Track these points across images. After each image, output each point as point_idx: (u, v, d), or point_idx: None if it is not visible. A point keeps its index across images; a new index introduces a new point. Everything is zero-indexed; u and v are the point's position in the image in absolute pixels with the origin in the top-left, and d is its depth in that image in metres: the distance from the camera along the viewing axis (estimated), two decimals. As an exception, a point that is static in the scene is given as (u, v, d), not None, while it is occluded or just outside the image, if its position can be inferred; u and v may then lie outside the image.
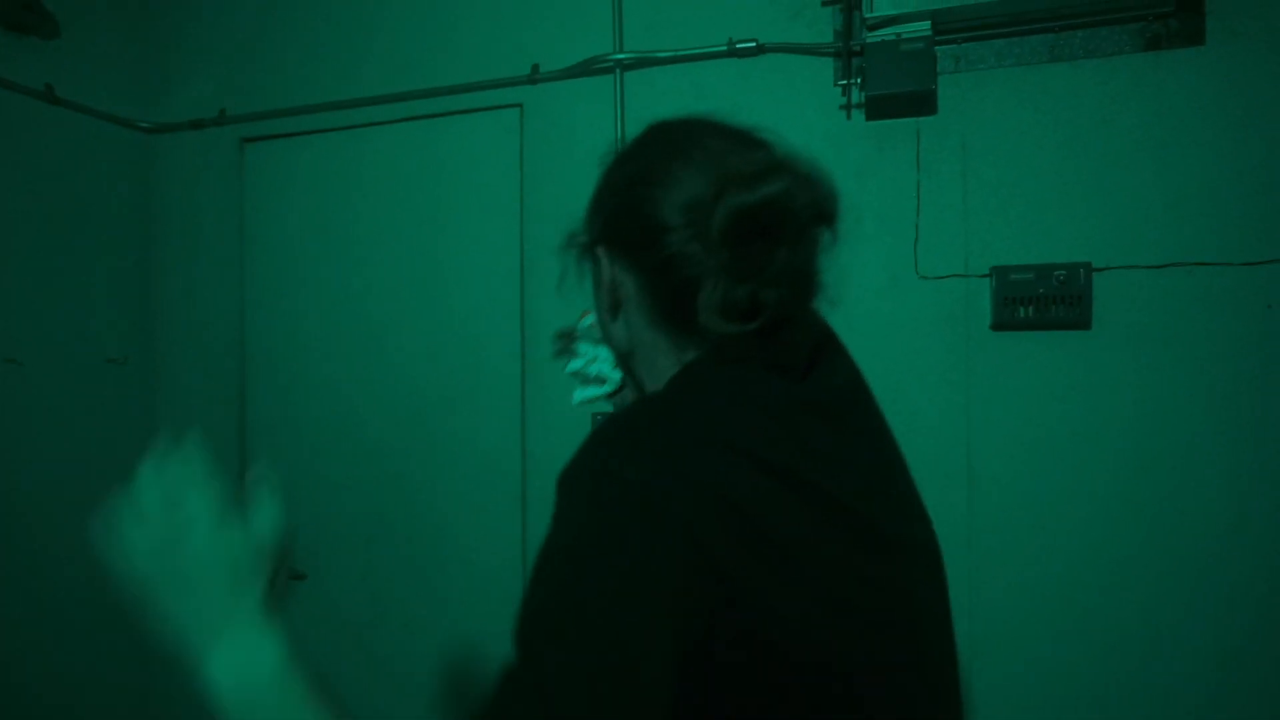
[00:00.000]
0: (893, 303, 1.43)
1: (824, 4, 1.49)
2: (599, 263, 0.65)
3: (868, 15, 1.35)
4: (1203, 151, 1.30)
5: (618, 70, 1.59)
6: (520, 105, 1.68)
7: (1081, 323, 1.33)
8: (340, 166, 1.83)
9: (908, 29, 1.34)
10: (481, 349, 1.71)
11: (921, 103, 1.41)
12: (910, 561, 0.60)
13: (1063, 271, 1.33)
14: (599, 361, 0.92)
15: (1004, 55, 1.39)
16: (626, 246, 0.63)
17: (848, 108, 1.47)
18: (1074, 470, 1.35)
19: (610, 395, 0.92)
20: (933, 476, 1.40)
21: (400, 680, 1.75)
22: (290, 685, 0.54)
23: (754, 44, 1.51)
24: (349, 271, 1.81)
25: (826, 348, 0.65)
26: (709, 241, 0.56)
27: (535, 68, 1.65)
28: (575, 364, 0.93)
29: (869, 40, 1.37)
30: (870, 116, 1.45)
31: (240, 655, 0.55)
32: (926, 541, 0.64)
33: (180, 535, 0.56)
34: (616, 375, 0.91)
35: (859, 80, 1.44)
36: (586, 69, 1.61)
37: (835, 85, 1.48)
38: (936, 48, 1.38)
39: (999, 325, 1.37)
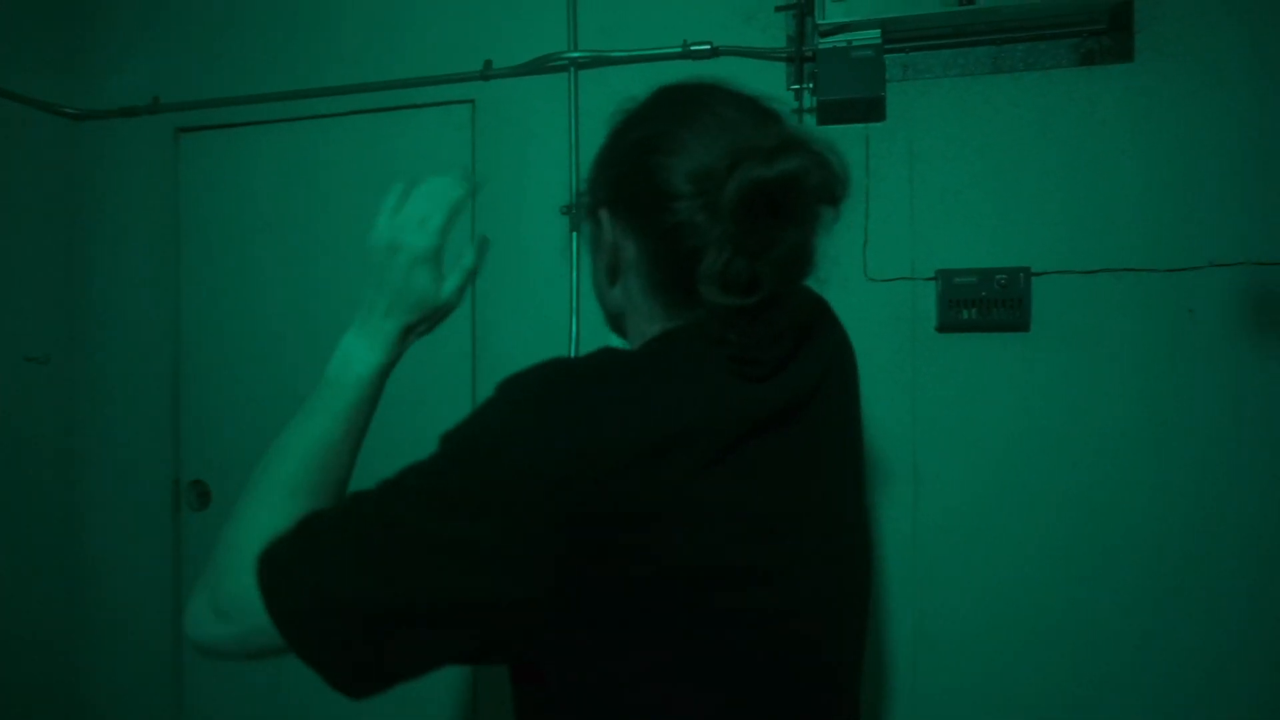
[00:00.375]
0: (842, 304, 1.44)
1: (777, 9, 1.52)
2: (601, 225, 0.64)
3: (820, 21, 1.38)
4: (1131, 163, 1.37)
5: (572, 69, 1.58)
6: (472, 101, 1.65)
7: (1021, 325, 1.38)
8: (284, 160, 1.77)
9: (858, 36, 1.38)
10: (431, 349, 1.67)
11: (871, 109, 1.44)
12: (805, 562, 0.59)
13: (1004, 275, 1.38)
14: None
15: (950, 65, 1.44)
16: (632, 211, 0.62)
17: (800, 112, 1.50)
18: (1013, 468, 1.40)
19: None
20: (880, 474, 1.43)
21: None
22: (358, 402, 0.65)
23: (709, 46, 1.52)
24: (293, 269, 1.75)
25: (814, 329, 0.65)
26: (717, 212, 0.55)
27: (488, 64, 1.63)
28: None
29: (821, 46, 1.40)
30: (821, 121, 1.48)
31: (363, 346, 0.66)
32: (843, 548, 0.64)
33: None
34: None
35: (810, 85, 1.47)
36: (540, 66, 1.60)
37: (788, 89, 1.50)
38: (886, 56, 1.42)
39: (944, 327, 1.42)
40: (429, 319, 0.70)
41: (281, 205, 1.76)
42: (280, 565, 0.53)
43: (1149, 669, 1.34)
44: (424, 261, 0.67)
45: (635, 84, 1.58)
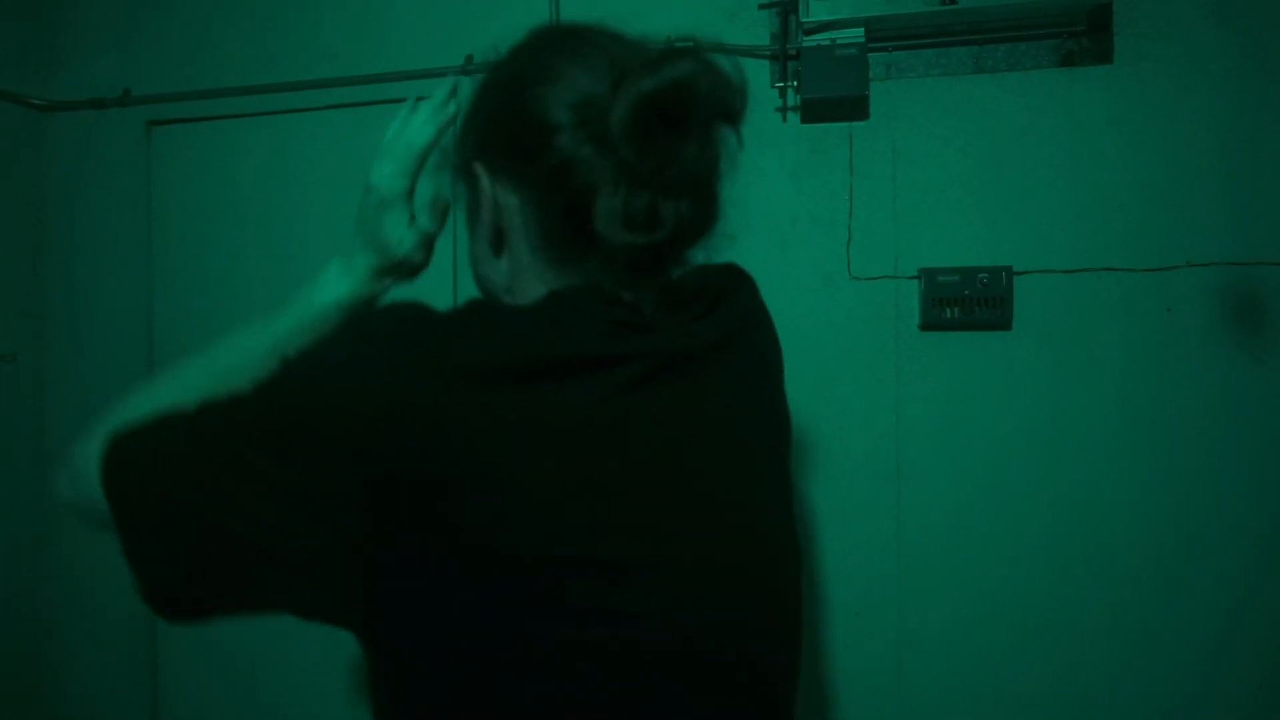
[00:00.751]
0: (826, 302, 1.46)
1: (760, 7, 1.51)
2: (477, 183, 0.57)
3: (804, 20, 1.37)
4: (1110, 163, 1.39)
5: (555, 64, 1.57)
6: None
7: (1003, 323, 1.39)
8: (260, 155, 1.73)
9: (842, 35, 1.38)
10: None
11: (854, 107, 1.44)
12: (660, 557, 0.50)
13: (986, 274, 1.38)
14: None
15: (932, 65, 1.44)
16: (508, 156, 0.55)
17: (783, 110, 1.49)
18: (997, 466, 1.41)
19: None
20: (863, 473, 1.44)
21: (320, 693, 1.67)
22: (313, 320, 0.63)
23: (691, 44, 1.51)
24: (271, 266, 1.72)
25: (723, 302, 0.58)
26: (604, 142, 0.49)
27: (469, 58, 1.61)
28: None
29: (805, 44, 1.40)
30: (805, 119, 1.48)
31: (340, 275, 0.64)
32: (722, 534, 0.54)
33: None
34: None
35: (794, 83, 1.47)
36: (523, 62, 1.58)
37: (772, 87, 1.50)
38: (869, 55, 1.42)
39: (927, 325, 1.42)
40: (395, 269, 0.67)
41: (258, 201, 1.73)
42: (123, 447, 0.51)
43: (1137, 668, 1.35)
44: (388, 207, 0.64)
45: (619, 80, 1.59)
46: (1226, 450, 1.33)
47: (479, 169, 0.57)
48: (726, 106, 0.51)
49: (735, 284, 0.62)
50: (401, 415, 0.44)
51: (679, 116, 0.49)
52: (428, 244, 0.65)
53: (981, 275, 1.39)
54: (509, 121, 0.55)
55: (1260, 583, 1.31)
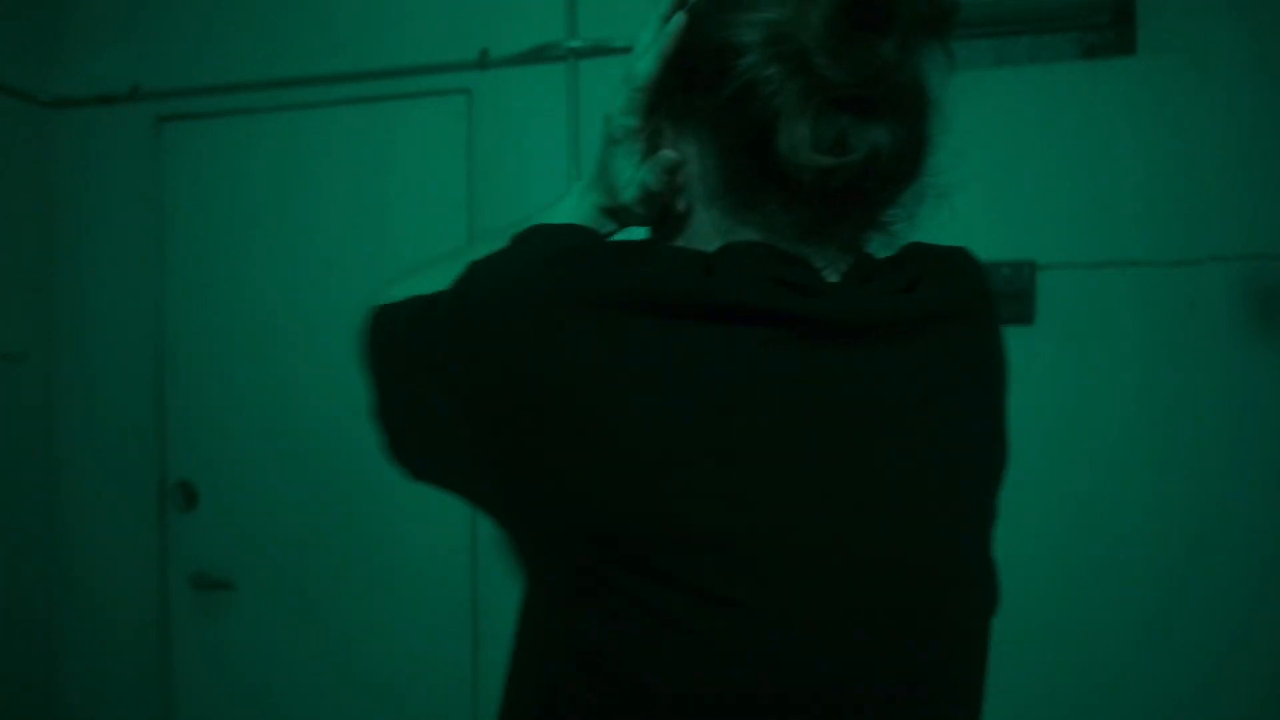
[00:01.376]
0: (847, 298, 1.45)
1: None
2: (662, 143, 0.51)
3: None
4: (1133, 156, 1.38)
5: (571, 59, 1.55)
6: (469, 91, 1.61)
7: (1026, 318, 1.38)
8: (272, 151, 1.72)
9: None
10: (427, 344, 1.65)
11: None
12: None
13: (1009, 269, 1.38)
14: None
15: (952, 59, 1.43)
16: (688, 92, 0.49)
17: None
18: (1015, 462, 1.40)
19: None
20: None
21: (332, 700, 1.66)
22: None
23: None
24: (284, 261, 1.70)
25: (925, 287, 0.49)
26: (795, 59, 0.43)
27: (484, 53, 1.59)
28: None
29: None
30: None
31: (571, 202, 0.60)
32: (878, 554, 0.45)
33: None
34: None
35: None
36: (539, 56, 1.57)
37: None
38: (890, 48, 1.41)
39: (948, 320, 1.41)
40: (619, 213, 0.59)
41: (271, 196, 1.71)
42: (373, 322, 0.57)
43: (1150, 668, 1.35)
44: (616, 144, 0.56)
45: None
46: (1249, 447, 1.33)
47: (665, 127, 0.52)
48: (934, 12, 0.45)
49: (951, 267, 0.53)
50: (514, 328, 0.43)
51: (878, 17, 0.43)
52: (649, 199, 0.55)
53: (1004, 269, 1.38)
54: (693, 53, 0.49)
55: (1276, 580, 1.31)
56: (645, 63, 0.52)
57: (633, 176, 0.54)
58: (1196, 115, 1.35)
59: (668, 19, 0.52)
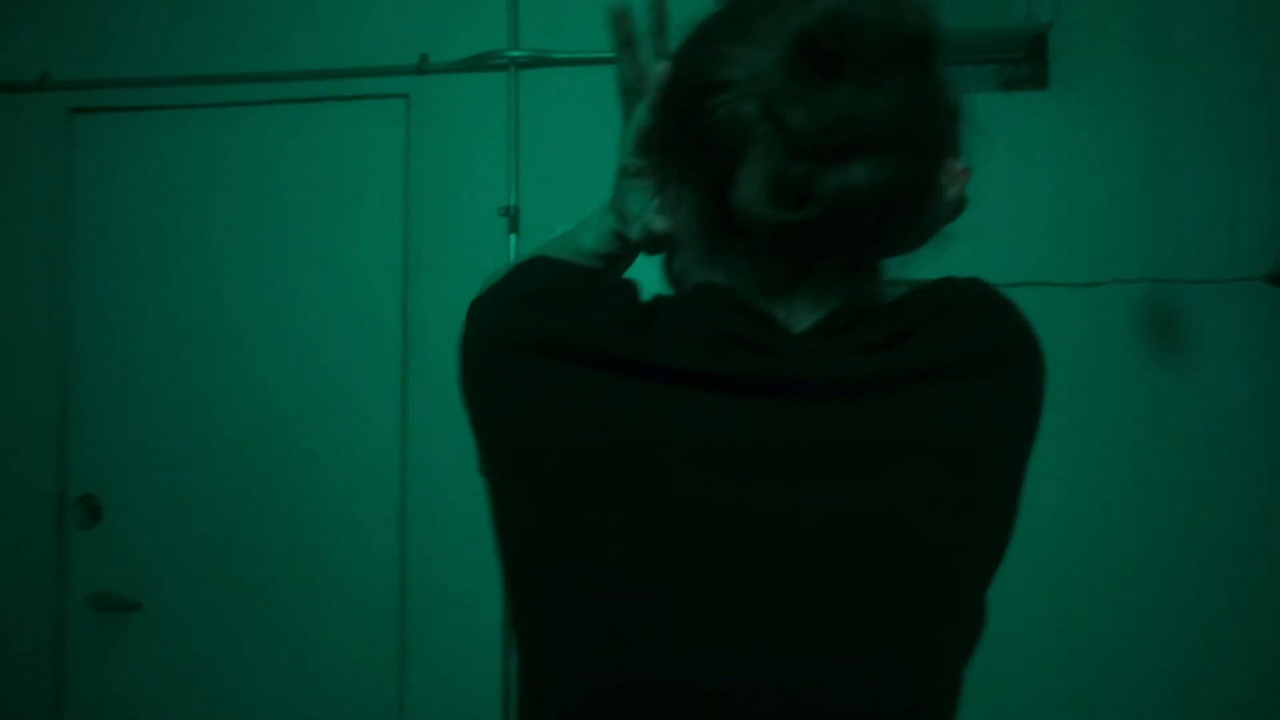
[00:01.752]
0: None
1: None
2: (668, 185, 0.50)
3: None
4: (1046, 183, 1.46)
5: (513, 68, 1.55)
6: (407, 96, 1.59)
7: (949, 334, 1.44)
8: (193, 149, 1.64)
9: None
10: (358, 352, 1.60)
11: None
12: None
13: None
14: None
15: (883, 84, 1.50)
16: (671, 129, 0.47)
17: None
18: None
19: None
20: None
21: None
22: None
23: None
24: (203, 265, 1.63)
25: (918, 341, 0.45)
26: (767, 99, 0.40)
27: (424, 58, 1.57)
28: None
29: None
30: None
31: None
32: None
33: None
34: None
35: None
36: (480, 64, 1.56)
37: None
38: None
39: (877, 335, 1.46)
40: (626, 242, 0.57)
41: (192, 197, 1.63)
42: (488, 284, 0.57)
43: (1119, 668, 1.41)
44: (627, 178, 0.54)
45: (577, 86, 1.58)
46: (1150, 455, 1.42)
47: (668, 165, 0.51)
48: (906, 40, 0.40)
49: (967, 321, 0.48)
50: (471, 370, 0.49)
51: (828, 61, 0.39)
52: (652, 237, 0.53)
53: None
54: (679, 87, 0.46)
55: (1171, 583, 1.40)
56: (643, 109, 0.52)
57: (640, 212, 0.54)
58: (1102, 147, 1.45)
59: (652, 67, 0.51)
